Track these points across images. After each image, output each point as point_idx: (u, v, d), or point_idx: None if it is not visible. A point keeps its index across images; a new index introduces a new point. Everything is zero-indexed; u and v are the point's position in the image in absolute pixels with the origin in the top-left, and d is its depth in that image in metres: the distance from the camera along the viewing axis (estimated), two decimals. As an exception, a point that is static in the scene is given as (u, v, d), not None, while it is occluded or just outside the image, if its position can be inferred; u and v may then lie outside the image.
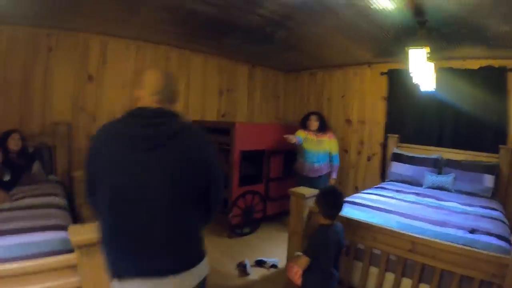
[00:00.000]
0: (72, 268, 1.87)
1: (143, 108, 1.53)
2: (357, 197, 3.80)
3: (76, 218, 3.25)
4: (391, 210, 3.27)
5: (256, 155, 4.91)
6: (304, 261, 2.28)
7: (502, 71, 4.57)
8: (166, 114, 1.52)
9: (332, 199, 2.37)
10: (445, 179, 4.52)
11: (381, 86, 5.75)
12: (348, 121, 6.19)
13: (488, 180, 4.31)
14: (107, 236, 1.45)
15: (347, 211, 2.52)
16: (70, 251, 1.80)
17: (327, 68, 6.51)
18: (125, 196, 1.39)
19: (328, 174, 4.81)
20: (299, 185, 4.28)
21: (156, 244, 1.42)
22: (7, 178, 3.49)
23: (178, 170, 1.44)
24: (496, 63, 4.62)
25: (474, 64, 4.77)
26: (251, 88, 6.65)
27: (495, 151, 4.55)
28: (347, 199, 3.64)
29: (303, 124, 4.83)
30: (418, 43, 3.36)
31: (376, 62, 5.76)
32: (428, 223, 2.93)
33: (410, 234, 2.41)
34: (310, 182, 4.36)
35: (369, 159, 5.94)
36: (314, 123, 4.72)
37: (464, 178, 4.45)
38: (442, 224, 2.92)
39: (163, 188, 1.41)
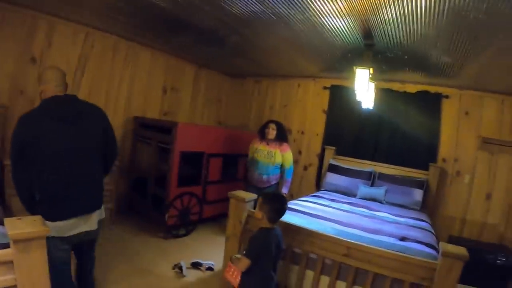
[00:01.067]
0: (6, 264, 1.71)
1: (55, 97, 2.11)
2: (295, 204, 3.87)
3: (6, 210, 2.96)
4: (327, 218, 3.37)
5: (195, 156, 4.83)
6: (244, 263, 2.26)
7: (438, 96, 5.01)
8: (71, 98, 2.19)
9: (279, 205, 2.39)
10: (378, 191, 4.79)
11: (323, 99, 5.99)
12: (288, 131, 6.24)
13: (418, 194, 4.66)
14: (45, 188, 2.01)
15: (286, 217, 2.55)
16: (4, 246, 1.68)
17: (273, 77, 6.65)
18: (56, 154, 2.01)
19: (277, 185, 4.70)
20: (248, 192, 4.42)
21: (83, 186, 2.14)
22: None
23: (87, 134, 2.16)
24: (432, 89, 5.06)
25: (412, 88, 5.18)
26: (195, 89, 6.59)
27: (426, 168, 4.95)
28: None
29: (262, 132, 4.68)
30: (363, 64, 3.54)
31: (321, 77, 5.99)
32: (363, 230, 3.06)
33: (345, 239, 2.53)
34: (258, 191, 4.20)
35: (305, 168, 6.12)
36: (271, 132, 4.54)
37: (395, 191, 4.76)
38: (376, 232, 3.07)
39: (79, 147, 2.11)
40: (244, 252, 2.38)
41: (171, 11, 3.61)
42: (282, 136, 4.63)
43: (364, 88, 3.50)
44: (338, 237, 2.55)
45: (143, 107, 5.62)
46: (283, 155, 4.56)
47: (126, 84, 5.32)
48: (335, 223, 3.21)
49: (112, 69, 5.10)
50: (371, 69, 3.45)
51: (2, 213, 2.57)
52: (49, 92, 2.11)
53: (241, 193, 3.11)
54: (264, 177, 4.54)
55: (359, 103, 4.62)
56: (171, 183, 4.49)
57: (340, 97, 5.77)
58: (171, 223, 4.52)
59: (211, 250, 4.31)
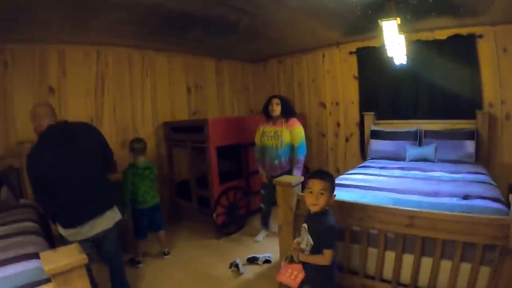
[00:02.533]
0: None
1: (49, 128, 2.43)
2: (343, 179, 3.70)
3: (53, 241, 3.00)
4: (380, 188, 3.20)
5: (232, 149, 4.77)
6: (329, 255, 2.08)
7: (471, 38, 4.59)
8: (63, 125, 2.57)
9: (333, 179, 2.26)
10: (427, 150, 4.53)
11: (352, 65, 5.71)
12: (322, 104, 6.13)
13: (469, 146, 4.34)
14: (61, 205, 2.40)
15: (338, 194, 2.37)
16: (49, 280, 1.66)
17: (295, 54, 6.42)
18: (63, 176, 2.35)
19: (291, 171, 4.16)
20: (261, 182, 4.31)
21: (91, 195, 2.48)
22: None
23: (83, 151, 2.49)
24: (464, 31, 4.63)
25: (442, 34, 4.78)
26: (219, 83, 6.49)
27: (472, 116, 4.56)
28: None
29: (266, 111, 4.24)
30: (388, 15, 3.29)
31: (344, 42, 5.69)
32: (421, 195, 2.88)
33: (406, 208, 2.34)
34: (270, 180, 4.01)
35: (347, 140, 5.90)
36: (275, 108, 4.08)
37: (445, 147, 4.47)
38: (435, 194, 2.88)
39: (79, 163, 2.43)
40: (322, 243, 2.13)
41: (176, 9, 3.50)
42: (288, 111, 4.19)
43: (394, 42, 3.26)
44: (398, 207, 2.37)
45: (171, 111, 5.59)
46: (291, 132, 4.06)
47: (148, 92, 5.31)
48: (390, 191, 3.03)
49: (131, 81, 5.10)
50: (398, 19, 3.20)
51: (45, 245, 2.58)
52: (43, 126, 2.45)
53: (286, 178, 2.99)
54: (276, 162, 4.10)
55: (391, 60, 4.34)
56: (213, 181, 4.41)
57: (369, 59, 5.47)
58: (220, 222, 4.47)
59: (265, 242, 4.25)
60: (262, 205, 4.40)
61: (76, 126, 2.69)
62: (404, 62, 4.21)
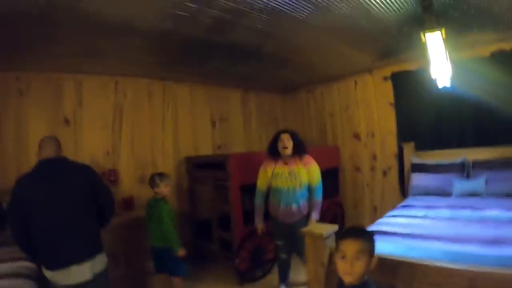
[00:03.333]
0: None
1: (42, 160, 2.44)
2: (383, 224, 3.20)
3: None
4: (429, 236, 2.66)
5: None
6: None
7: None
8: (59, 160, 2.49)
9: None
10: (476, 183, 4.01)
11: (387, 92, 5.28)
12: (356, 136, 5.69)
13: None
14: (38, 239, 2.27)
15: (379, 246, 1.93)
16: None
17: (325, 82, 6.08)
18: (44, 209, 2.26)
19: (308, 215, 3.66)
20: (275, 231, 3.79)
21: (71, 238, 2.29)
22: None
23: (73, 190, 2.37)
24: (508, 46, 4.17)
25: (485, 51, 4.31)
26: (246, 115, 6.21)
27: None
28: (371, 227, 3.09)
29: (273, 149, 3.71)
30: (429, 28, 2.90)
31: (377, 67, 5.31)
32: (479, 244, 2.35)
33: (465, 268, 1.85)
34: (287, 228, 3.61)
35: (384, 174, 5.41)
36: (287, 144, 3.55)
37: (497, 179, 3.92)
38: (496, 242, 2.35)
39: (65, 202, 2.31)
40: None
41: (196, 36, 3.30)
42: (301, 148, 3.68)
43: (441, 58, 2.80)
44: (455, 267, 1.89)
45: (194, 145, 5.34)
46: (308, 171, 3.59)
47: (170, 125, 5.10)
48: (441, 241, 2.50)
49: (151, 113, 4.90)
50: (443, 30, 2.79)
51: None
52: (41, 157, 2.45)
53: (316, 228, 2.57)
54: (294, 207, 3.55)
55: (431, 84, 3.95)
56: (236, 223, 4.07)
57: (405, 85, 5.03)
58: (244, 268, 4.06)
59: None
60: (281, 255, 3.80)
61: (74, 165, 2.60)
62: (448, 85, 3.74)
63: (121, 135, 4.66)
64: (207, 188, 4.69)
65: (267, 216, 3.83)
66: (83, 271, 2.32)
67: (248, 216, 4.14)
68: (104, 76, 4.53)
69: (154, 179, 3.53)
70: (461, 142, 4.63)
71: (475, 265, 1.90)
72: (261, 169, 3.78)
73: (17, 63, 3.80)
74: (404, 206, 3.92)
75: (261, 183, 3.76)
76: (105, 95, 4.58)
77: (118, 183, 4.54)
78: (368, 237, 1.71)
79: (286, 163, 3.62)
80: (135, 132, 4.79)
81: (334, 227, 2.49)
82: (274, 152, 3.70)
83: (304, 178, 3.56)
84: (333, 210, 5.49)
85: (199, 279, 4.33)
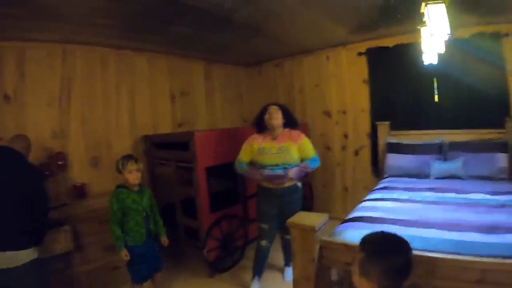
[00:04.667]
0: None
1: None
2: (367, 209, 3.01)
3: None
4: (424, 223, 2.48)
5: (226, 169, 3.89)
6: None
7: (496, 36, 4.18)
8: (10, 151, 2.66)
9: (399, 258, 1.43)
10: (454, 165, 4.00)
11: (361, 68, 5.16)
12: (327, 113, 5.55)
13: (501, 160, 3.84)
14: None
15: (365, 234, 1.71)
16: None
17: (295, 56, 5.87)
18: None
19: (302, 188, 3.47)
20: (261, 209, 3.45)
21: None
22: None
23: (11, 187, 2.45)
24: (488, 29, 4.19)
25: (465, 32, 4.29)
26: (209, 89, 5.88)
27: (501, 125, 4.09)
28: (353, 213, 2.95)
29: (259, 123, 3.46)
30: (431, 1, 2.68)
31: (352, 41, 5.15)
32: (476, 231, 2.23)
33: (478, 259, 1.71)
34: (276, 199, 3.32)
35: (356, 153, 5.32)
36: (276, 116, 3.28)
37: (474, 161, 3.94)
38: (492, 229, 2.25)
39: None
40: None
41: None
42: (292, 121, 3.44)
43: (444, 32, 2.59)
44: (469, 258, 1.74)
45: (152, 123, 4.99)
46: (300, 146, 3.31)
47: (125, 100, 4.72)
48: (437, 228, 2.35)
49: (104, 86, 4.51)
50: (446, 1, 2.58)
51: None
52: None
53: (305, 218, 2.32)
54: (279, 172, 3.22)
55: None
56: (203, 209, 3.78)
57: (381, 61, 4.93)
58: (213, 258, 3.83)
59: (268, 275, 3.70)
60: (262, 242, 3.47)
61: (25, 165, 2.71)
62: (435, 62, 3.58)
63: (70, 113, 4.22)
64: (168, 170, 4.38)
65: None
66: (4, 259, 2.36)
67: (215, 201, 3.92)
68: (51, 44, 4.05)
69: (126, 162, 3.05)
70: (438, 123, 4.60)
71: (483, 256, 1.77)
72: (245, 144, 3.47)
73: None
74: (383, 188, 3.79)
75: (244, 157, 3.44)
76: (52, 66, 4.09)
77: (67, 168, 4.14)
78: None
79: (274, 139, 3.34)
80: (86, 108, 4.36)
81: (325, 217, 2.27)
82: (260, 126, 3.45)
83: (295, 155, 3.26)
84: (305, 192, 5.27)
85: (166, 271, 4.03)
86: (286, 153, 3.25)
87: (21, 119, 3.85)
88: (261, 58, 6.18)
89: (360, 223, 2.59)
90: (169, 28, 3.96)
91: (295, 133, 3.39)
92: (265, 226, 3.43)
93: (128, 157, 3.07)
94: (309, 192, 5.63)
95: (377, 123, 4.94)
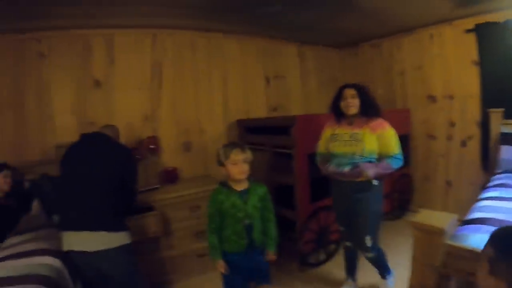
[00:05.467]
0: None
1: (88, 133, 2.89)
2: (490, 210, 2.65)
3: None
4: None
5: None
6: None
7: None
8: (102, 135, 2.84)
9: None
10: None
11: (469, 47, 4.79)
12: (431, 98, 5.27)
13: None
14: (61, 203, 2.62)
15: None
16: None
17: (394, 35, 5.63)
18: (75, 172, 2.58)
19: (379, 185, 3.00)
20: (335, 208, 3.28)
21: (89, 206, 2.48)
22: None
23: (105, 167, 2.59)
24: None
25: None
26: (303, 72, 5.85)
27: None
28: (473, 215, 2.58)
29: (335, 107, 3.13)
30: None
31: (458, 17, 4.79)
32: None
33: None
34: (345, 191, 3.06)
35: (463, 144, 5.00)
36: (351, 102, 2.94)
37: None
38: None
39: (97, 173, 2.55)
40: None
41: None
42: (369, 107, 2.99)
43: None
44: None
45: (246, 107, 5.10)
46: (379, 136, 2.88)
47: (217, 83, 4.86)
48: None
49: (195, 70, 4.69)
50: None
51: None
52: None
53: (431, 217, 2.12)
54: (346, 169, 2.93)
55: None
56: (301, 199, 3.76)
57: (493, 39, 4.53)
58: (307, 250, 3.81)
59: (366, 272, 3.53)
60: (345, 243, 3.33)
61: (115, 144, 2.89)
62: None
63: (161, 97, 4.47)
64: (263, 156, 4.41)
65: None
66: (96, 241, 2.45)
67: (315, 191, 3.88)
68: (139, 29, 4.30)
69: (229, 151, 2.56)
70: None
71: None
72: (323, 132, 3.29)
73: (36, 22, 3.65)
74: (500, 186, 3.51)
75: (321, 147, 3.25)
76: (141, 51, 4.37)
77: (158, 152, 4.38)
78: None
79: (350, 124, 3.03)
80: (177, 92, 4.59)
81: (453, 218, 2.08)
82: (337, 111, 3.14)
83: (370, 145, 2.86)
84: (401, 185, 5.15)
85: None
86: (359, 142, 2.90)
87: (112, 103, 4.16)
88: (357, 38, 6.00)
89: (484, 226, 2.28)
90: (257, 7, 3.94)
91: (376, 120, 2.96)
92: (341, 226, 3.28)
93: (232, 145, 2.62)
94: (409, 185, 5.44)
95: (489, 110, 4.57)
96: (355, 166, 2.86)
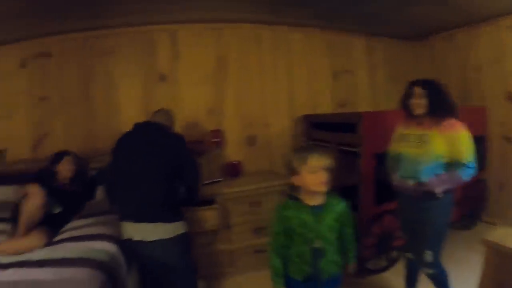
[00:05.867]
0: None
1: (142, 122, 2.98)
2: None
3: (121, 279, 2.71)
4: None
5: None
6: None
7: None
8: (156, 123, 2.97)
9: None
10: None
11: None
12: (511, 96, 4.93)
13: None
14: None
15: None
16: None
17: (469, 26, 5.31)
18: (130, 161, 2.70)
19: (449, 195, 2.71)
20: (398, 202, 3.10)
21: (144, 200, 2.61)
22: (57, 210, 3.30)
23: (160, 155, 2.68)
24: None
25: None
26: (371, 66, 5.69)
27: None
28: None
29: (405, 105, 2.91)
30: None
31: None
32: None
33: None
34: (407, 198, 2.86)
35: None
36: (418, 101, 2.73)
37: None
38: None
39: (151, 162, 2.66)
40: None
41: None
42: (439, 106, 2.70)
43: None
44: None
45: (312, 102, 5.05)
46: (448, 139, 2.61)
47: (282, 77, 4.85)
48: None
49: (260, 63, 4.73)
50: None
51: None
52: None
53: (508, 237, 1.93)
54: (410, 184, 2.74)
55: None
56: (365, 201, 3.65)
57: None
58: (366, 256, 3.68)
59: (427, 286, 3.19)
60: (407, 254, 3.12)
61: (169, 132, 2.97)
62: None
63: (226, 91, 4.56)
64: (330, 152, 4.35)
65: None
66: (153, 232, 2.61)
67: (381, 192, 3.71)
68: (203, 24, 4.42)
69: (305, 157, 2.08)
70: None
71: None
72: (394, 132, 3.13)
73: (102, 20, 3.97)
74: None
75: (391, 148, 3.09)
76: (205, 45, 4.50)
77: (222, 145, 4.47)
78: None
79: (420, 124, 2.82)
80: (242, 86, 4.66)
81: None
82: (407, 110, 2.93)
83: (438, 149, 2.63)
84: (474, 191, 4.72)
85: None
86: (426, 144, 2.68)
87: (177, 97, 4.37)
88: (428, 30, 5.74)
89: None
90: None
91: (448, 121, 2.69)
92: (404, 234, 3.11)
93: (309, 149, 2.24)
94: (482, 191, 5.01)
95: None
96: (420, 184, 2.67)
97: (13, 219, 3.09)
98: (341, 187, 3.97)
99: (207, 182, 4.07)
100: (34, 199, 3.04)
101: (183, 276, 2.85)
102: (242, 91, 4.66)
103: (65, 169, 3.55)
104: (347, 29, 5.31)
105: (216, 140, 4.38)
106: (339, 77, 5.33)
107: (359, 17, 4.75)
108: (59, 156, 3.60)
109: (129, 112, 4.12)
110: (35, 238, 2.83)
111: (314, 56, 5.12)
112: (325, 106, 5.17)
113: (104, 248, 2.66)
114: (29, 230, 2.90)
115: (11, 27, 3.77)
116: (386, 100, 5.79)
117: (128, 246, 2.72)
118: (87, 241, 2.74)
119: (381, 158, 3.46)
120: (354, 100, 5.45)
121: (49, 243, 2.82)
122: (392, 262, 3.93)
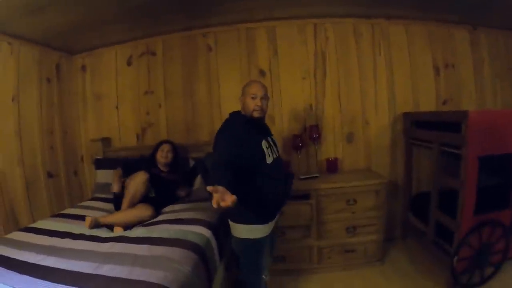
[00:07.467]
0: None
1: None
2: None
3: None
4: None
5: (504, 162, 3.50)
6: None
7: None
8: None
9: None
10: None
11: None
12: None
13: None
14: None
15: None
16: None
17: None
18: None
19: None
20: None
21: None
22: (153, 195, 3.73)
23: None
24: None
25: None
26: (476, 61, 5.38)
27: None
28: None
29: None
30: None
31: None
32: None
33: None
34: None
35: None
36: None
37: None
38: None
39: None
40: None
41: None
42: None
43: None
44: None
45: (413, 99, 4.95)
46: None
47: (382, 73, 4.82)
48: None
49: (360, 58, 4.75)
50: None
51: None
52: None
53: None
54: None
55: None
56: (465, 208, 3.42)
57: None
58: (461, 269, 3.50)
59: None
60: None
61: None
62: None
63: (325, 86, 4.65)
64: (428, 153, 4.27)
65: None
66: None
67: (482, 201, 3.50)
68: (301, 20, 4.55)
69: None
70: None
71: None
72: None
73: (202, 19, 4.36)
74: None
75: None
76: (304, 41, 4.61)
77: (321, 141, 4.57)
78: None
79: None
80: (342, 82, 4.71)
81: None
82: None
83: None
84: None
85: (400, 268, 4.18)
86: None
87: (277, 92, 4.57)
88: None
89: None
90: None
91: None
92: None
93: None
94: None
95: None
96: None
97: (116, 199, 3.59)
98: (443, 190, 3.94)
99: (304, 177, 4.25)
100: (140, 176, 3.49)
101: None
102: (342, 87, 4.71)
103: (163, 157, 3.97)
104: (450, 20, 5.11)
105: (315, 135, 4.49)
106: (442, 73, 5.14)
107: (465, 5, 4.53)
108: (158, 145, 4.07)
109: (229, 106, 4.24)
110: (143, 208, 3.31)
111: (415, 50, 4.99)
112: (427, 103, 5.03)
113: (199, 232, 2.94)
114: (133, 205, 3.36)
115: (119, 29, 4.25)
116: (493, 98, 5.51)
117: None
118: (184, 225, 3.04)
119: (485, 162, 3.38)
120: (457, 98, 5.24)
121: (148, 224, 3.18)
122: (485, 280, 3.68)
